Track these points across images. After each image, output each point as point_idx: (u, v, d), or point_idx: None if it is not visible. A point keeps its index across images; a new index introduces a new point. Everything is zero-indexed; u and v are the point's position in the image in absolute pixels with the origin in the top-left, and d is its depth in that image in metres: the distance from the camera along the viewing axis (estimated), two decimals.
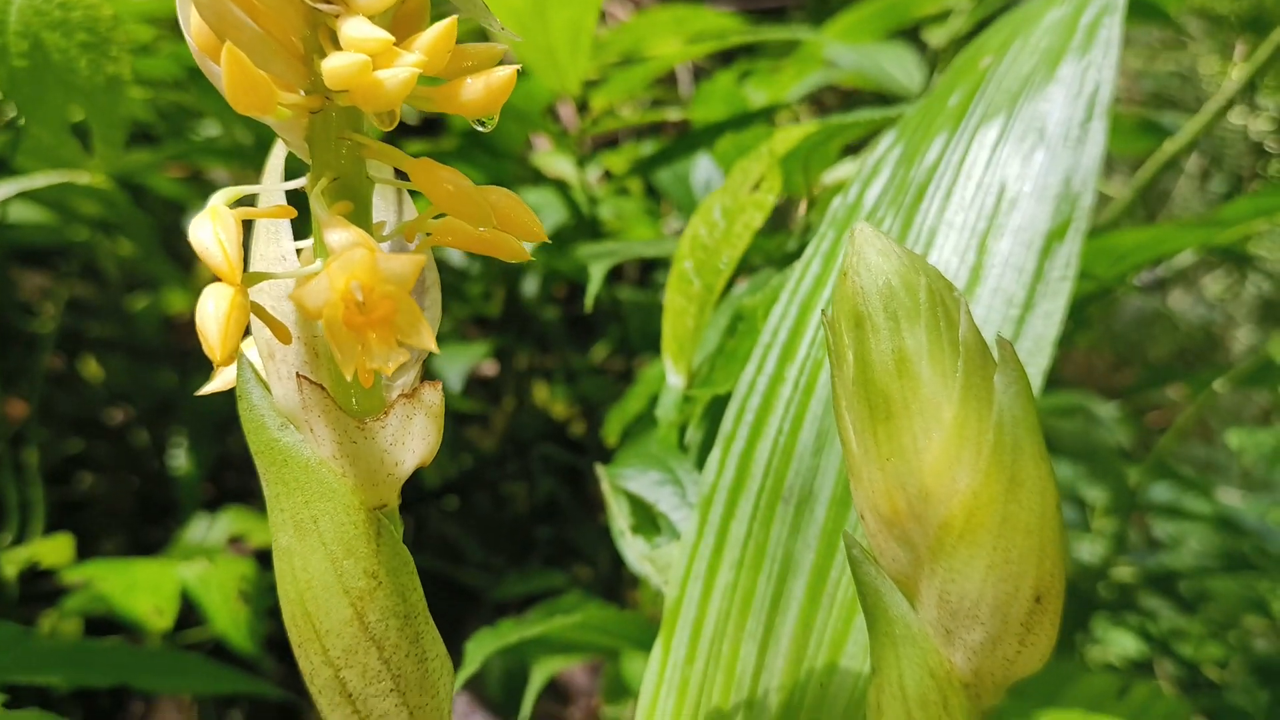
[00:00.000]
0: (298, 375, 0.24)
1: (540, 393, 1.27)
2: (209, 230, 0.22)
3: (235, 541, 0.74)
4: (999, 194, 0.40)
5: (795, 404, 0.40)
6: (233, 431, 0.86)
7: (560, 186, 0.85)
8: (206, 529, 0.72)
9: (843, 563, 0.37)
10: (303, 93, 0.23)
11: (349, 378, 0.20)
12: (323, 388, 0.24)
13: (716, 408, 0.51)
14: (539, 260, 0.86)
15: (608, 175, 0.95)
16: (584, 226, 0.87)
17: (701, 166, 0.80)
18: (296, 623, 0.25)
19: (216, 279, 0.22)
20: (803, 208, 0.69)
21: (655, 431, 0.57)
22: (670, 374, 0.52)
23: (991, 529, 0.26)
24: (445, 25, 0.22)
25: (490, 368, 1.29)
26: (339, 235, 0.21)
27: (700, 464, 0.52)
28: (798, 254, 0.65)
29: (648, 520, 0.50)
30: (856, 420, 0.28)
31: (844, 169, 0.65)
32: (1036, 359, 0.36)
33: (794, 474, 0.39)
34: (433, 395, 0.25)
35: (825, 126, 0.55)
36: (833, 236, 0.43)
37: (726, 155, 0.62)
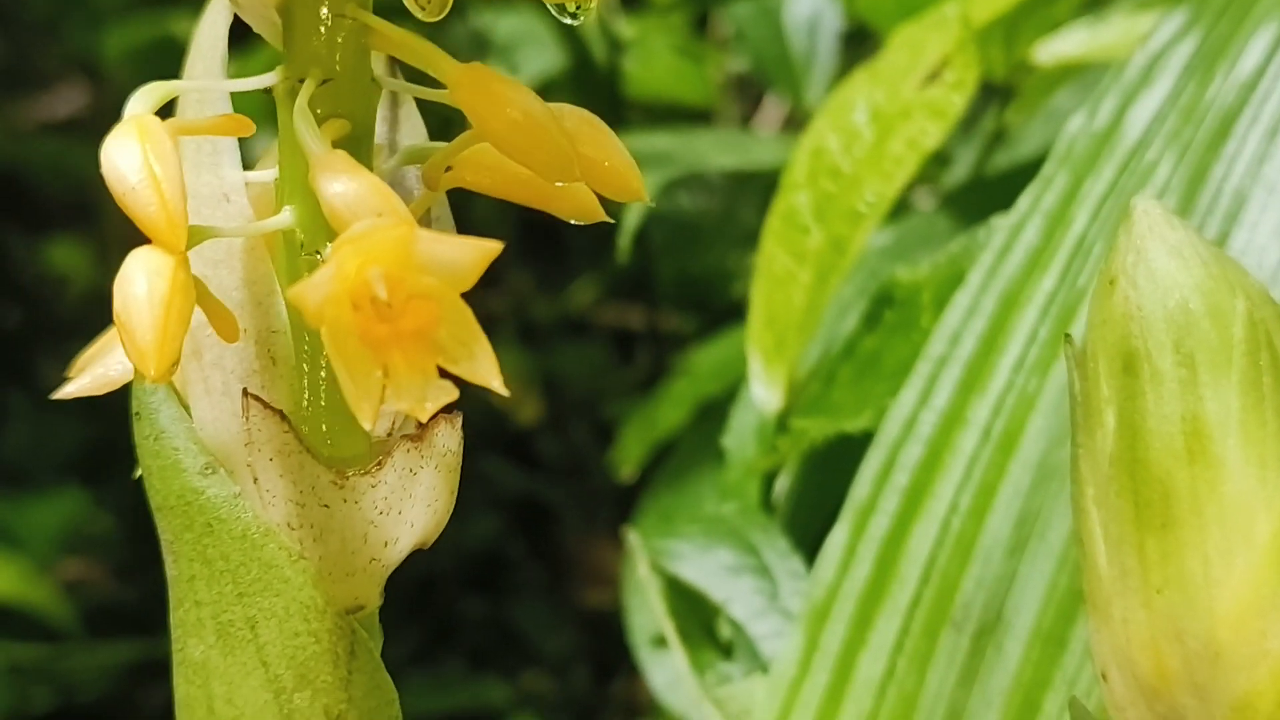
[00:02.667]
0: (245, 393, 0.27)
1: None
2: (137, 157, 0.25)
3: None
4: None
5: (983, 466, 0.43)
6: None
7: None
8: None
9: None
10: None
11: (367, 421, 0.22)
12: (282, 415, 0.27)
13: (829, 445, 0.54)
14: None
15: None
16: (591, 82, 0.89)
17: None
18: None
19: (144, 239, 0.25)
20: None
21: (710, 472, 0.60)
22: (758, 383, 0.54)
23: None
24: None
25: None
26: (345, 187, 0.24)
27: (794, 531, 0.55)
28: (982, 183, 0.68)
29: (699, 628, 0.53)
30: (1112, 521, 0.30)
31: (1068, 40, 0.68)
32: None
33: (973, 584, 0.41)
34: (449, 437, 0.28)
35: None
36: (1065, 184, 0.46)
37: (877, 3, 0.64)
